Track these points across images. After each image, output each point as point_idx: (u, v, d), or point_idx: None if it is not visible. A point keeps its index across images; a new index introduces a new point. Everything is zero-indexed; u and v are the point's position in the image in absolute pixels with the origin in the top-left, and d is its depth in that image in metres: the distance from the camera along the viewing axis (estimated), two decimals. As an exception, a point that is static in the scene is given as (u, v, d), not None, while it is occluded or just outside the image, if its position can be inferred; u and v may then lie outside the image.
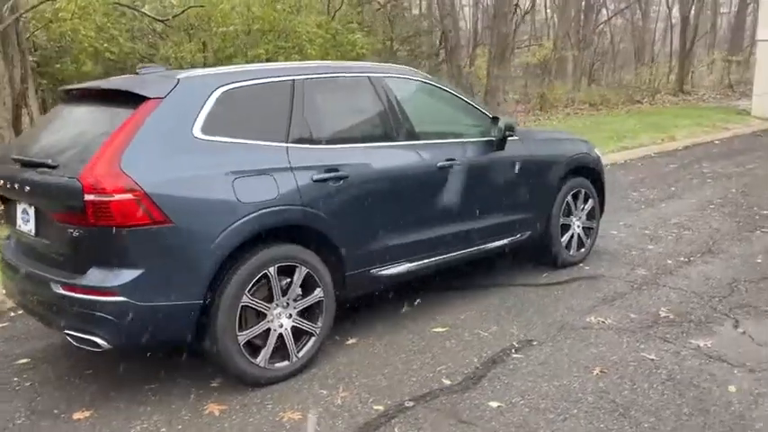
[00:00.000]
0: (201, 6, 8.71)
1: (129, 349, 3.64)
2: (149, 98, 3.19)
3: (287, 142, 3.53)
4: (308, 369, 3.60)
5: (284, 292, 3.46)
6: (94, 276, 3.02)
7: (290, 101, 3.62)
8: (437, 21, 14.82)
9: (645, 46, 27.20)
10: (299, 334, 3.56)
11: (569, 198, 5.16)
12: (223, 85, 3.40)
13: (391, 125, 4.05)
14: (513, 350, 3.80)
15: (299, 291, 3.54)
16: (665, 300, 4.52)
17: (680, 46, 23.73)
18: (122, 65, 9.25)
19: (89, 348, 3.13)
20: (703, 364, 3.55)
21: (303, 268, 3.49)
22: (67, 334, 3.14)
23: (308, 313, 3.60)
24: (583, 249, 5.37)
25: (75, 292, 3.04)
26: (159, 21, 8.64)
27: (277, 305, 3.44)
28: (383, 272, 3.93)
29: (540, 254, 5.22)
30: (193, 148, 3.21)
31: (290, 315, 3.50)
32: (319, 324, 3.62)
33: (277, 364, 3.45)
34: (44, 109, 8.83)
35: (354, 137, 3.91)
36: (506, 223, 4.68)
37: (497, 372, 3.54)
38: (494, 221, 4.58)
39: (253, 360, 3.35)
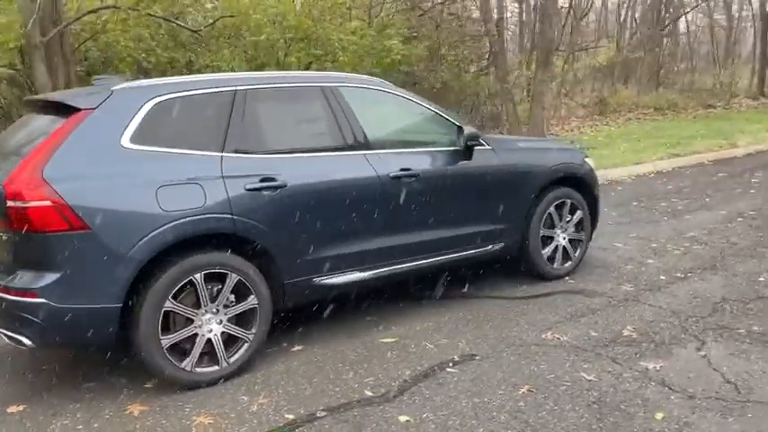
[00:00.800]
0: (231, 16, 9.01)
1: (54, 348, 3.85)
2: (80, 109, 3.35)
3: (222, 152, 3.61)
4: (242, 374, 3.67)
5: (214, 299, 3.53)
6: (20, 278, 3.20)
7: (228, 111, 3.70)
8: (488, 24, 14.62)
9: (727, 46, 25.80)
10: (232, 340, 3.63)
11: (552, 209, 4.99)
12: (156, 96, 3.52)
13: (340, 134, 4.06)
14: (451, 364, 3.73)
15: (233, 297, 3.61)
16: (636, 318, 4.30)
17: (761, 45, 22.37)
18: (161, 73, 9.65)
19: (19, 346, 3.32)
20: (641, 388, 3.37)
21: (234, 275, 3.56)
22: (0, 332, 3.34)
23: (241, 320, 3.66)
24: (569, 263, 5.18)
25: (6, 294, 3.23)
26: (192, 31, 8.99)
27: (206, 311, 3.52)
28: (328, 281, 3.94)
29: (520, 266, 5.08)
30: (120, 157, 3.34)
31: (221, 321, 3.57)
32: (253, 331, 3.67)
33: (205, 369, 3.53)
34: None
35: (298, 146, 3.95)
36: (474, 234, 4.59)
37: (424, 386, 3.49)
38: (459, 232, 4.50)
39: (178, 364, 3.44)
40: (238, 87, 3.79)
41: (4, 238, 3.24)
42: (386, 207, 4.11)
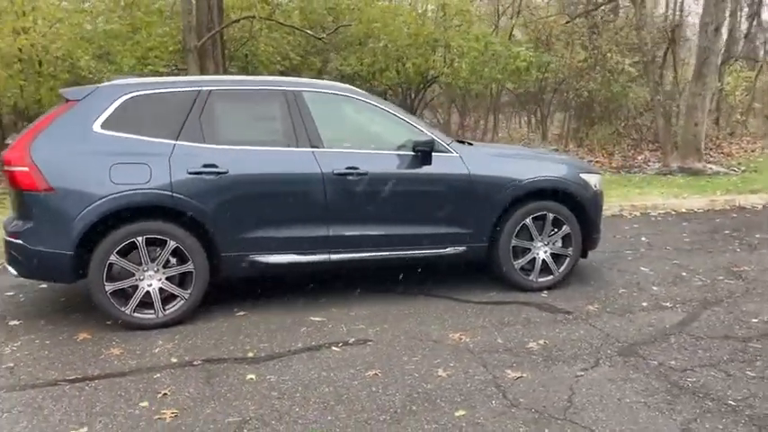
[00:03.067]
0: (348, 25, 9.85)
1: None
2: (69, 100, 4.35)
3: (176, 140, 4.39)
4: (177, 325, 4.42)
5: (154, 259, 4.33)
6: (14, 224, 4.29)
7: (189, 107, 4.46)
8: (659, 31, 13.84)
9: None
10: (172, 296, 4.41)
11: (528, 221, 5.03)
12: (129, 92, 4.40)
13: (293, 133, 4.61)
14: (341, 344, 4.12)
15: (174, 260, 4.39)
16: (561, 335, 4.27)
17: None
18: (297, 75, 10.85)
19: (12, 276, 4.43)
20: (477, 390, 3.48)
21: (171, 242, 4.32)
22: (4, 266, 4.46)
23: (182, 281, 4.42)
24: (550, 277, 5.16)
25: (7, 236, 4.33)
26: (316, 38, 10.01)
27: (147, 268, 4.32)
28: (262, 258, 4.54)
29: (492, 273, 5.21)
30: (89, 139, 4.27)
31: (160, 279, 4.36)
32: (189, 291, 4.41)
33: (142, 315, 4.35)
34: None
35: (246, 140, 4.58)
36: (430, 235, 4.84)
37: (297, 357, 3.94)
38: (411, 231, 4.80)
39: (120, 307, 4.29)
40: (203, 88, 4.54)
41: (12, 195, 4.35)
42: (327, 200, 4.59)
